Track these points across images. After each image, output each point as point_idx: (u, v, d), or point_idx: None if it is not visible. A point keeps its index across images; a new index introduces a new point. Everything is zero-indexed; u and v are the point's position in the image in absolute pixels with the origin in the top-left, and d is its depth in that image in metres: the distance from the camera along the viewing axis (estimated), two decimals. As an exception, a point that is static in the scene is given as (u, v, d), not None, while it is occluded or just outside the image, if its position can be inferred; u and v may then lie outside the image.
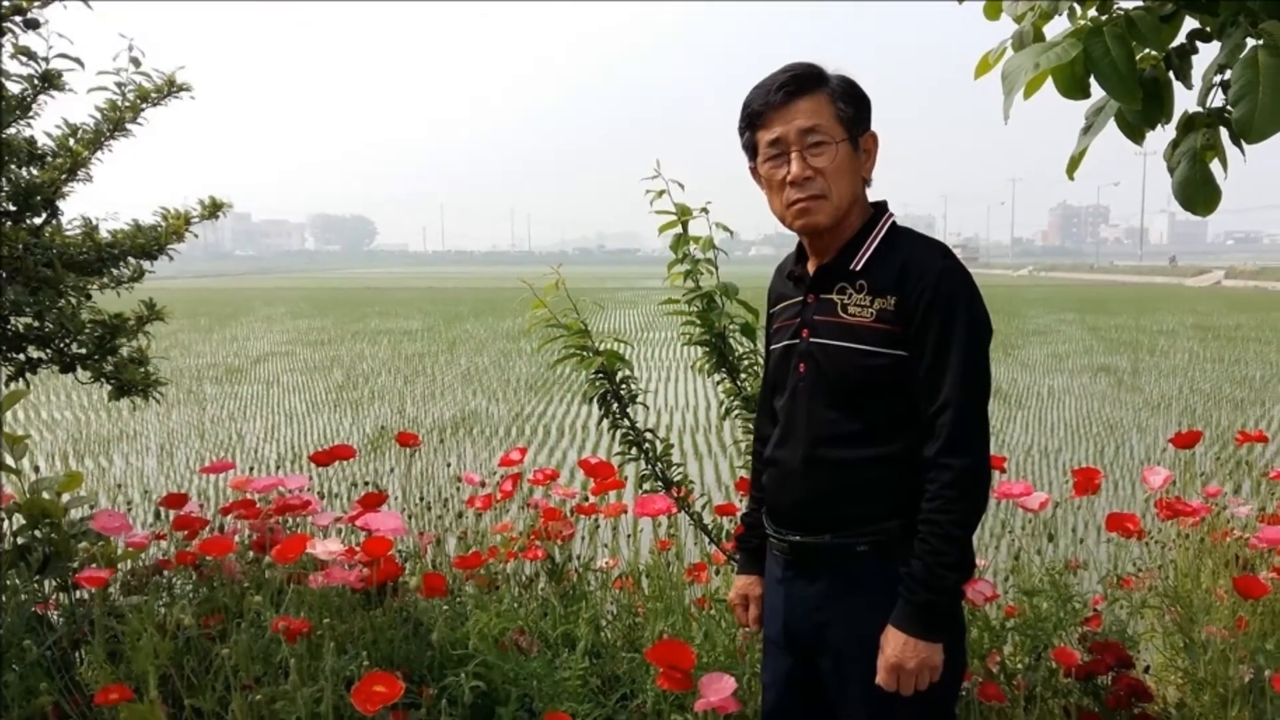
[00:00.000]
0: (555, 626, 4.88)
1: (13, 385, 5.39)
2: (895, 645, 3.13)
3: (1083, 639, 4.91)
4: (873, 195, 3.41)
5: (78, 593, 5.06)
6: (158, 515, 5.62)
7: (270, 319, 51.88)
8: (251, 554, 5.07)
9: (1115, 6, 3.02)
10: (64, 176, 5.32)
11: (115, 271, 5.52)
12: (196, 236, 5.96)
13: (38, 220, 5.33)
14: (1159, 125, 3.22)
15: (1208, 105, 3.13)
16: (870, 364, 3.19)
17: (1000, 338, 33.27)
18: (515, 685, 4.38)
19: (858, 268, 3.26)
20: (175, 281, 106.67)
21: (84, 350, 5.42)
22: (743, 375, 5.14)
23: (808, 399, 3.34)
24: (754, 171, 3.40)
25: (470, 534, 5.83)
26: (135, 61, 5.40)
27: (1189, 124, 3.17)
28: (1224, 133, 3.10)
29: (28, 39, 5.10)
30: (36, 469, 5.63)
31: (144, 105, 5.47)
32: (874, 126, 3.36)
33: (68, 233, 5.39)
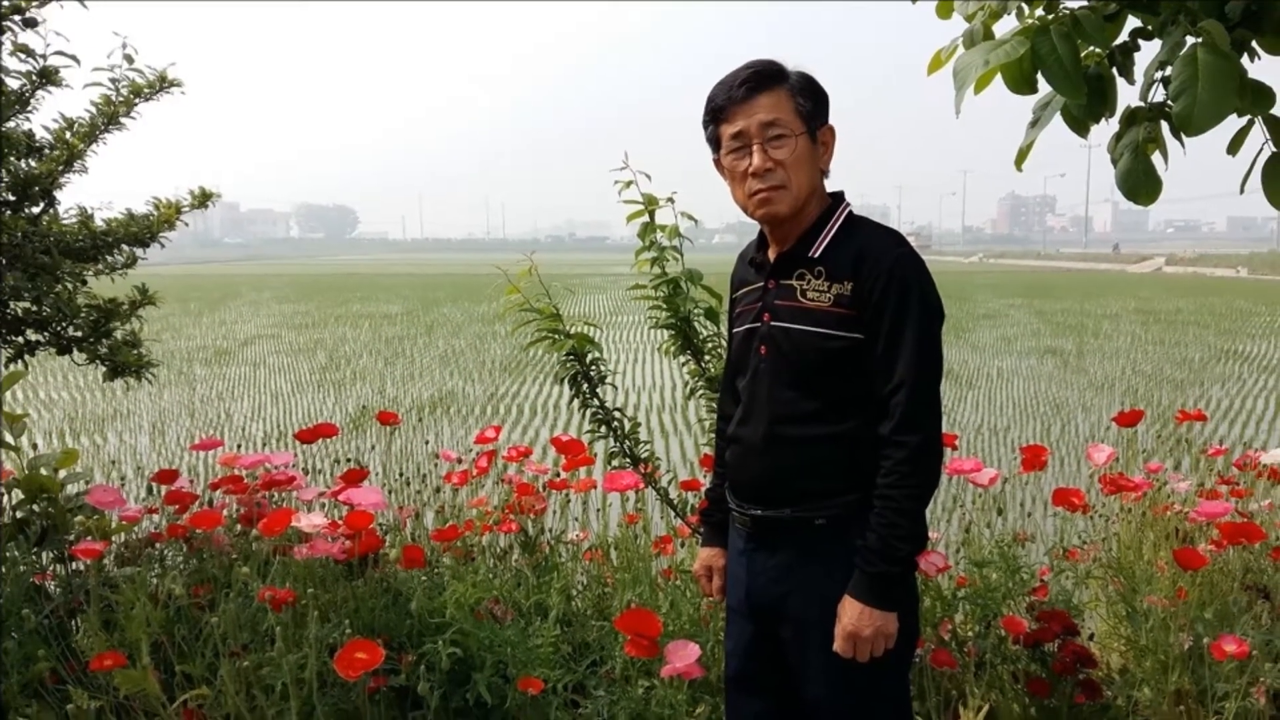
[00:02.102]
0: (528, 596, 4.88)
1: (12, 366, 5.38)
2: (852, 614, 3.15)
3: (1030, 608, 4.93)
4: (830, 186, 3.42)
5: (74, 564, 5.07)
6: (150, 490, 5.62)
7: (257, 304, 51.70)
8: (239, 527, 5.07)
9: (1061, 6, 3.03)
10: (61, 168, 5.33)
11: (109, 258, 5.53)
12: (187, 225, 5.97)
13: (36, 209, 5.34)
14: (1103, 119, 3.23)
15: (1149, 100, 3.14)
16: (828, 346, 3.20)
17: (952, 321, 33.33)
18: (490, 652, 4.38)
19: (816, 255, 3.27)
20: (166, 268, 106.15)
21: (80, 333, 5.43)
22: (706, 357, 5.13)
23: (768, 379, 3.35)
24: (717, 163, 3.41)
25: (447, 508, 5.83)
26: (129, 58, 5.42)
27: (1131, 118, 3.19)
28: (1165, 126, 3.11)
29: (26, 37, 5.11)
30: (35, 446, 5.65)
31: (137, 100, 5.50)
32: (831, 120, 3.36)
33: (64, 221, 5.40)
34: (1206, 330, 34.50)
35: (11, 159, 5.23)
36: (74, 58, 5.17)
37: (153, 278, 5.86)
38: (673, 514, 5.54)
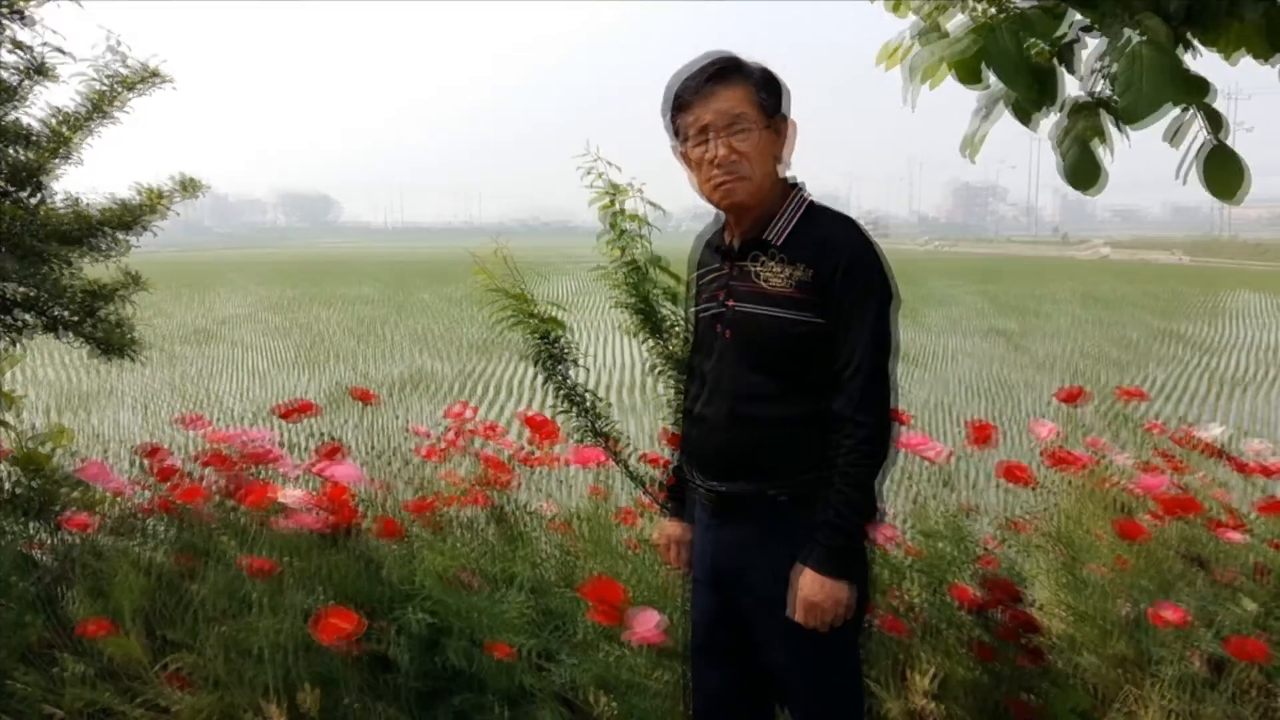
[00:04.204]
0: (497, 566, 4.87)
1: (8, 350, 5.37)
2: (809, 584, 3.16)
3: (977, 577, 4.94)
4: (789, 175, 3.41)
5: (64, 535, 5.04)
6: (136, 465, 5.59)
7: (242, 287, 51.46)
8: (222, 500, 5.05)
9: (1009, 3, 3.03)
10: (54, 158, 5.30)
11: (100, 244, 5.51)
12: (178, 214, 5.96)
13: (33, 199, 5.31)
14: (1049, 110, 3.24)
15: (1093, 92, 3.14)
16: (788, 329, 3.20)
17: (905, 304, 33.17)
18: (461, 619, 4.37)
19: (776, 241, 3.27)
20: (157, 254, 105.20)
21: (71, 315, 5.40)
22: (669, 338, 5.13)
23: (730, 361, 3.35)
24: (681, 154, 3.40)
25: (421, 482, 5.81)
26: (114, 51, 5.38)
27: (1076, 109, 3.19)
28: (1108, 117, 3.12)
29: (22, 33, 5.08)
30: (33, 426, 5.61)
31: (127, 94, 5.47)
32: (787, 111, 3.36)
33: (58, 210, 5.37)
34: (1146, 312, 34.74)
35: (6, 149, 5.21)
36: (67, 53, 5.16)
37: (144, 263, 5.84)
38: (635, 487, 5.53)
